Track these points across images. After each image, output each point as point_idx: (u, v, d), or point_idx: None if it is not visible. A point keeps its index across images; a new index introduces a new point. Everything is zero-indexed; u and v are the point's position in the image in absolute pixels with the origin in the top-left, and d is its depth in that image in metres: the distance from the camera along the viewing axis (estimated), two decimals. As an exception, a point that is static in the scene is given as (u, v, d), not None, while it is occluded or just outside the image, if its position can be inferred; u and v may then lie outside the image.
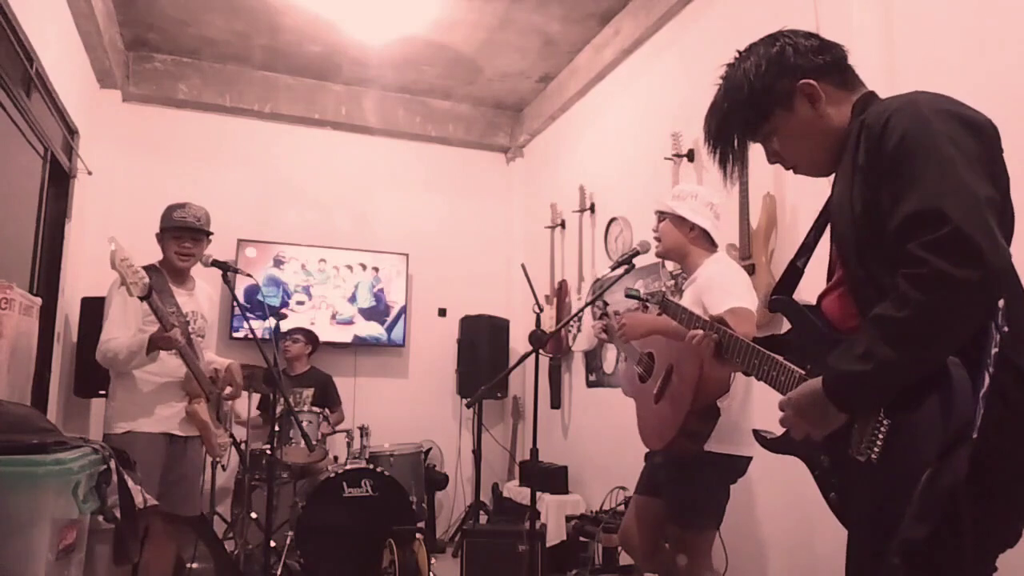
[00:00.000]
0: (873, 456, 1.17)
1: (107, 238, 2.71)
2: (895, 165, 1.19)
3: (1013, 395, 1.10)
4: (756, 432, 1.52)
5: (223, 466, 4.30)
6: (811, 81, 1.38)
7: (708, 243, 2.56)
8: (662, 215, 2.61)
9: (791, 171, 1.50)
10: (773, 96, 1.39)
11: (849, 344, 1.21)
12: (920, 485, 1.05)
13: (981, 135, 1.20)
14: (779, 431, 1.43)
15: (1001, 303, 1.11)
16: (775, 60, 1.40)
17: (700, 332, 1.66)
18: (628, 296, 2.39)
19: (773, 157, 1.48)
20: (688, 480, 2.39)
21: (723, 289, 2.36)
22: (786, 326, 1.48)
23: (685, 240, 2.55)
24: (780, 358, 1.44)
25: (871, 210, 1.23)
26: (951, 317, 1.10)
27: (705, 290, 2.40)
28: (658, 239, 2.61)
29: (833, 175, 1.41)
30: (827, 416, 1.24)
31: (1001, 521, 1.17)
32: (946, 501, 1.05)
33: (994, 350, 1.08)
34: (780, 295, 1.49)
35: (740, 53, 1.47)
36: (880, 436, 1.17)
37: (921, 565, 1.09)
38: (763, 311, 2.63)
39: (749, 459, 2.43)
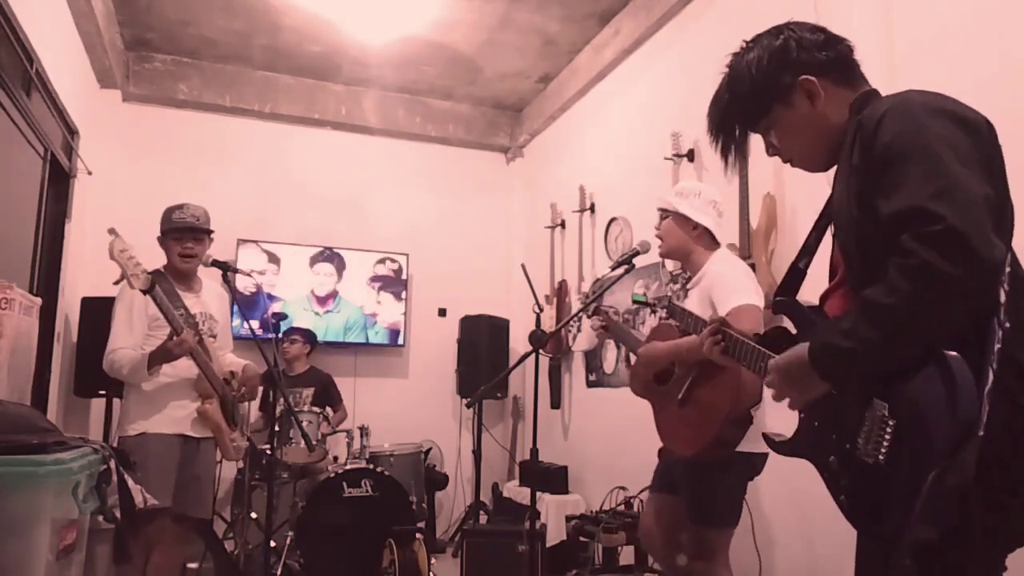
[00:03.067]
0: (880, 457, 1.16)
1: (107, 229, 2.67)
2: (887, 165, 1.19)
3: (1017, 392, 1.09)
4: (766, 436, 1.51)
5: (239, 469, 4.31)
6: (812, 78, 1.38)
7: (710, 242, 2.53)
8: (665, 213, 2.58)
9: (788, 164, 1.50)
10: (773, 91, 1.40)
11: (838, 319, 1.22)
12: (927, 485, 1.05)
13: (976, 133, 1.19)
14: (788, 434, 1.42)
15: (1003, 298, 1.10)
16: (778, 54, 1.40)
17: (708, 340, 1.66)
18: (635, 302, 2.37)
19: (771, 149, 1.49)
20: (707, 479, 2.35)
21: (730, 287, 2.34)
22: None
23: (688, 239, 2.52)
24: None
25: (868, 209, 1.22)
26: (936, 309, 1.10)
27: (712, 288, 2.39)
28: (660, 238, 2.60)
29: (833, 173, 1.40)
30: (808, 382, 1.26)
31: (1011, 521, 1.16)
32: (954, 501, 1.04)
33: (997, 346, 1.08)
34: (783, 296, 1.49)
35: (746, 43, 1.47)
36: (886, 437, 1.16)
37: (932, 566, 1.09)
38: (766, 312, 2.62)
39: (766, 455, 2.37)
